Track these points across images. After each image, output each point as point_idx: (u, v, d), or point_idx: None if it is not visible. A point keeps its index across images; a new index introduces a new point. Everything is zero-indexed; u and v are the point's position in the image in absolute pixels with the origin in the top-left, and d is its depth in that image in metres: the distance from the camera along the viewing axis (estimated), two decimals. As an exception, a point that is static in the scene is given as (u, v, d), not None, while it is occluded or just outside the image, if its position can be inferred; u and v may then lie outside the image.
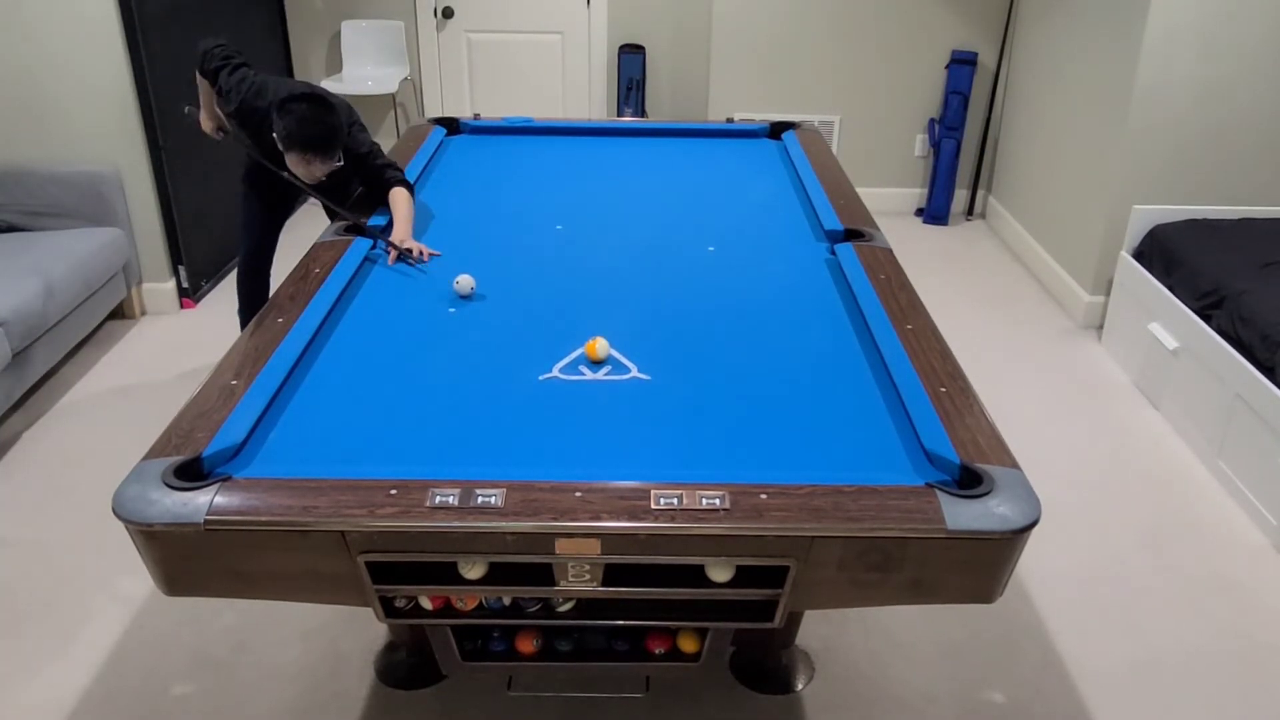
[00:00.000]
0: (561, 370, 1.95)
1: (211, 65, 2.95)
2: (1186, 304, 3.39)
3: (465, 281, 2.24)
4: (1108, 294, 4.07)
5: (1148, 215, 3.78)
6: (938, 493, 1.55)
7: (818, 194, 2.87)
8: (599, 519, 1.51)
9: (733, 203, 2.89)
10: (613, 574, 1.60)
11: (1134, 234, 3.81)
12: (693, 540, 1.52)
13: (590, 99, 5.54)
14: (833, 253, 2.53)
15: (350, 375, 1.93)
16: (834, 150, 4.54)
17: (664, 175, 3.11)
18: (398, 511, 1.51)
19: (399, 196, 2.68)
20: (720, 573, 1.62)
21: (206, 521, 1.49)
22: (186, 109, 3.20)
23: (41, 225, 3.83)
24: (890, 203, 5.37)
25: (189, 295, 4.22)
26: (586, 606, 1.76)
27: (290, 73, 5.35)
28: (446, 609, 1.74)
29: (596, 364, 1.98)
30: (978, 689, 2.36)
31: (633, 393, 1.89)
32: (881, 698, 2.33)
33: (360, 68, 5.38)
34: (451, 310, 2.21)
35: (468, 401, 1.84)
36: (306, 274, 2.29)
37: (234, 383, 1.84)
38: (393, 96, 5.44)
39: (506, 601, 1.76)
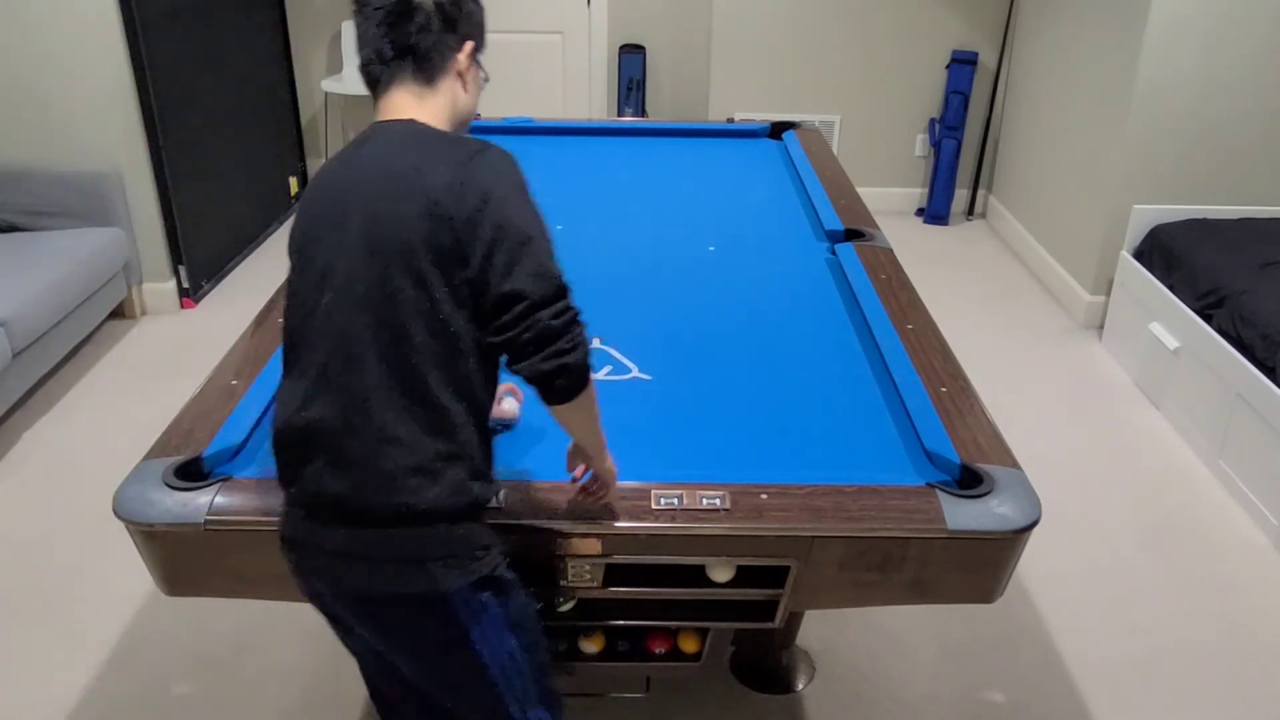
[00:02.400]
0: (562, 370, 1.94)
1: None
2: (1187, 304, 3.39)
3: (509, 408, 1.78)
4: (1108, 294, 4.07)
5: (1148, 215, 3.78)
6: (938, 492, 1.55)
7: (818, 194, 2.87)
8: (599, 519, 1.51)
9: (733, 202, 2.89)
10: (613, 574, 1.60)
11: (1134, 234, 3.81)
12: (693, 540, 1.52)
13: (590, 99, 5.54)
14: (833, 252, 2.53)
15: (350, 375, 1.93)
16: (834, 150, 4.53)
17: (664, 175, 3.11)
18: (398, 511, 1.50)
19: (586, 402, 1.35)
20: (721, 573, 1.62)
21: (207, 521, 1.49)
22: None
23: (41, 225, 3.83)
24: (890, 203, 5.37)
25: (189, 295, 4.22)
26: (587, 606, 1.75)
27: (291, 72, 5.34)
28: (447, 609, 1.74)
29: (501, 421, 1.75)
30: (978, 689, 2.36)
31: (633, 393, 1.89)
32: (882, 698, 2.33)
33: (360, 68, 5.36)
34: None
35: (468, 401, 1.84)
36: (307, 274, 2.28)
37: (234, 383, 1.84)
38: (393, 96, 5.42)
39: (507, 601, 1.76)
